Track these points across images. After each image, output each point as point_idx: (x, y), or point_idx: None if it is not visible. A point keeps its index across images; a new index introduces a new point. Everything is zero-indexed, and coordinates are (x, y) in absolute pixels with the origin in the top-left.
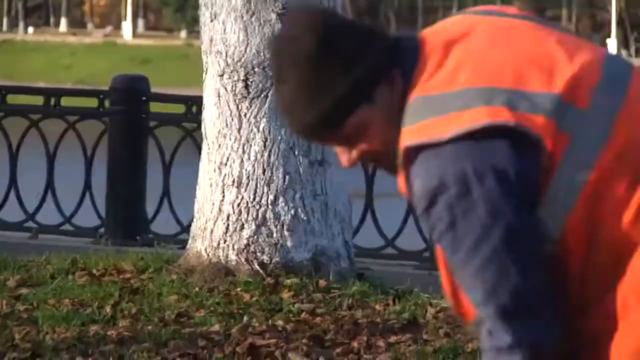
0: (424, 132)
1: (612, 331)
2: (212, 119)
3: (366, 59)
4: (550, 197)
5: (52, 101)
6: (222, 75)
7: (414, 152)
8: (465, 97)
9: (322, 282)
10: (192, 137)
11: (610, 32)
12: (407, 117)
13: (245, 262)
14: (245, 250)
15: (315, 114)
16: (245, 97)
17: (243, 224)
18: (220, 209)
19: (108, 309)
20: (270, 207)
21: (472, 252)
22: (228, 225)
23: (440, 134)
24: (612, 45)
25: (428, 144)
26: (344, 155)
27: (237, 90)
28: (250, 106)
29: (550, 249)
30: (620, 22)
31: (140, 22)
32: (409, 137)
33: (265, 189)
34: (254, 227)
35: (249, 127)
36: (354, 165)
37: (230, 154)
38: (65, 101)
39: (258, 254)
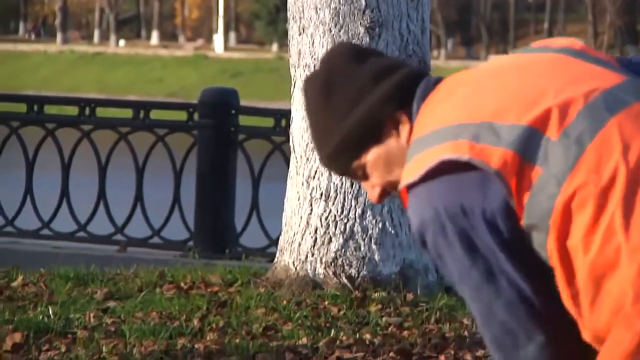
0: (407, 173)
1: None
2: (300, 132)
3: (361, 104)
4: (527, 226)
5: (142, 114)
6: None
7: (405, 193)
8: (441, 135)
9: (409, 296)
10: (281, 151)
11: None
12: (407, 158)
13: (332, 276)
14: (333, 264)
15: (327, 151)
16: None
17: (331, 237)
18: (308, 223)
19: (195, 322)
20: (357, 220)
21: (460, 284)
22: (316, 238)
23: (413, 175)
24: None
25: (409, 184)
26: (369, 192)
27: None
28: None
29: (542, 272)
30: None
31: (232, 35)
32: (402, 178)
33: (353, 202)
34: (341, 240)
35: None
36: (381, 201)
37: (318, 168)
38: (155, 114)
39: (346, 267)
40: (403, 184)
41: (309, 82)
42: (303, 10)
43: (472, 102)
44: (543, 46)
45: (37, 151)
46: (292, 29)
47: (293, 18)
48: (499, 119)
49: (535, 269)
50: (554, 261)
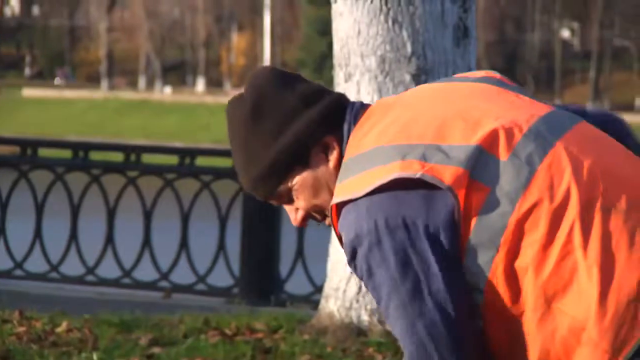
0: (346, 189)
1: None
2: None
3: (290, 128)
4: (472, 244)
5: (187, 161)
6: None
7: (339, 208)
8: (385, 154)
9: None
10: None
11: None
12: (339, 176)
13: (377, 323)
14: (377, 311)
15: (253, 175)
16: None
17: None
18: None
19: None
20: None
21: (387, 300)
22: (361, 285)
23: (357, 190)
24: None
25: (348, 200)
26: (291, 214)
27: None
28: None
29: (474, 299)
30: None
31: None
32: (335, 195)
33: None
34: None
35: None
36: (303, 224)
37: None
38: (201, 161)
39: None
40: (343, 198)
41: (235, 106)
42: (349, 58)
43: (410, 124)
44: (463, 77)
45: (82, 197)
46: (338, 76)
47: (339, 65)
48: (443, 140)
49: (465, 289)
50: (498, 280)
